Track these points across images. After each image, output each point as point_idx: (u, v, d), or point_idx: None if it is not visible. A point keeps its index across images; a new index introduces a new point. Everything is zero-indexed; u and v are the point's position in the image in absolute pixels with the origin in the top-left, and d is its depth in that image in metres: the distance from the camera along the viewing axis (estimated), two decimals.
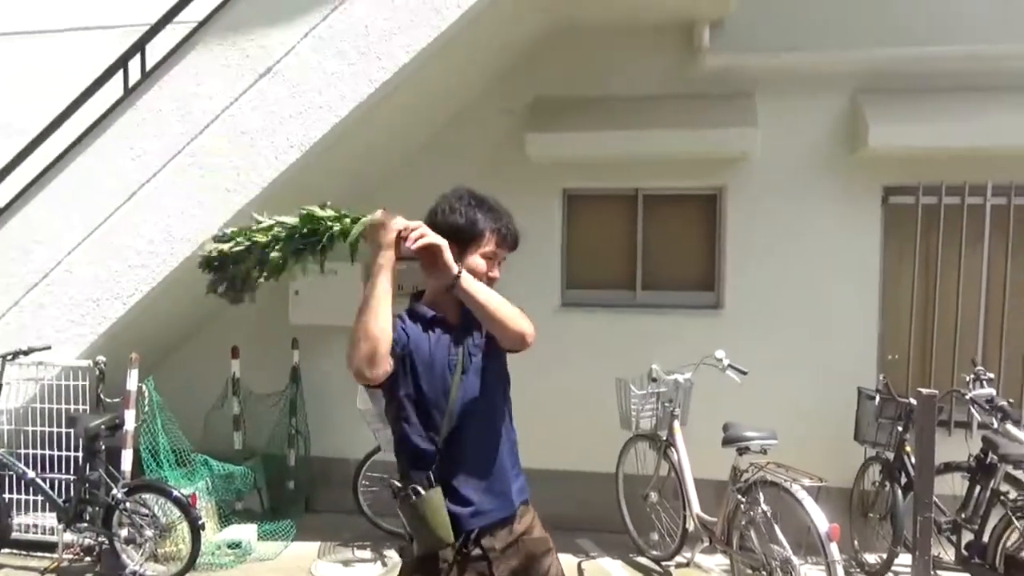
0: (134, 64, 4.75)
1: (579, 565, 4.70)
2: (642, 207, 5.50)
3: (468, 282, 2.03)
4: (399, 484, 2.08)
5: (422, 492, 2.01)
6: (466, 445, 2.10)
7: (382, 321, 1.95)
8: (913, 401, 4.18)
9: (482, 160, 5.53)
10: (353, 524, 5.19)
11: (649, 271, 5.54)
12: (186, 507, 4.29)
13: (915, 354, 5.19)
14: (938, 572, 4.46)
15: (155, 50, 4.72)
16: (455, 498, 2.06)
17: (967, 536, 4.17)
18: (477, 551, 2.09)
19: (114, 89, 4.75)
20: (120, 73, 4.75)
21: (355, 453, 5.15)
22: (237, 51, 4.49)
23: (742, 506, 3.85)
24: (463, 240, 2.12)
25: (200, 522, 4.30)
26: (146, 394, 4.67)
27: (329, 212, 2.11)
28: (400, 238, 1.99)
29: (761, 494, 3.75)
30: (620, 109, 5.17)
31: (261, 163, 4.43)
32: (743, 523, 3.86)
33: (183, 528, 4.38)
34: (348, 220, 2.09)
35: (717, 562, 4.67)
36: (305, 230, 2.11)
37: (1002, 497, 4.00)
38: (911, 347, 5.18)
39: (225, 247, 2.16)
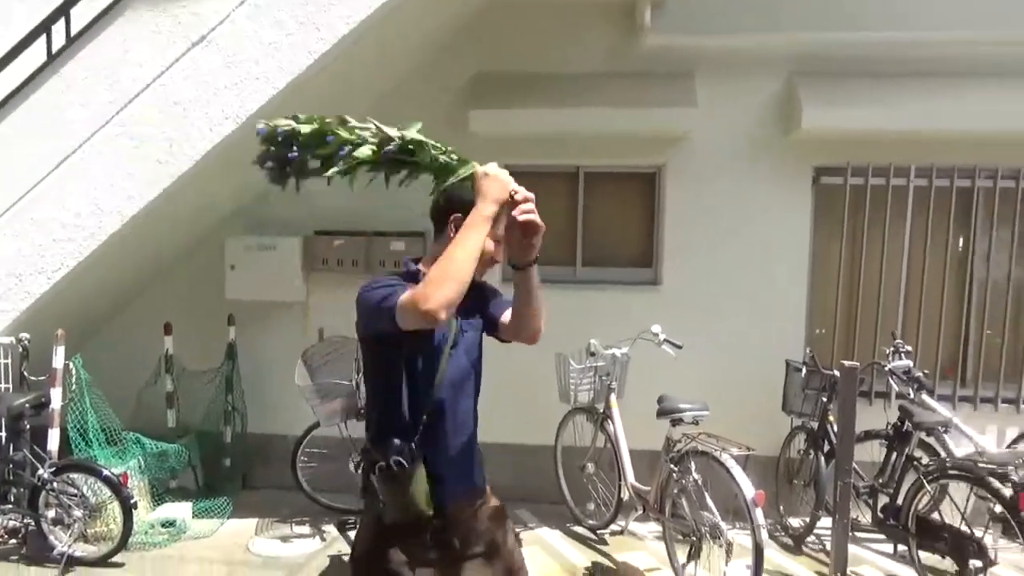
0: (58, 29, 4.54)
1: (518, 535, 4.78)
2: (583, 184, 5.56)
3: (535, 268, 2.07)
4: (374, 452, 2.05)
5: (405, 464, 1.99)
6: (447, 420, 2.11)
7: (471, 272, 1.91)
8: (837, 373, 4.36)
9: (425, 136, 5.48)
10: (291, 500, 5.16)
11: (589, 248, 5.62)
12: (117, 486, 4.20)
13: (840, 328, 5.42)
14: (856, 534, 4.70)
15: (80, 15, 4.52)
16: (432, 470, 2.06)
17: (883, 500, 4.41)
18: (442, 521, 2.10)
19: (36, 55, 4.54)
20: (43, 38, 4.54)
21: (293, 429, 5.11)
22: (168, 17, 4.33)
23: (674, 475, 3.98)
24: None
25: (132, 501, 4.22)
26: (73, 372, 4.53)
27: (438, 143, 2.11)
28: (511, 200, 1.98)
29: (692, 463, 3.89)
30: (562, 86, 5.19)
31: (195, 134, 4.30)
32: (675, 491, 3.99)
33: (114, 508, 4.29)
34: (455, 158, 2.09)
35: (650, 529, 4.82)
36: (410, 147, 2.09)
37: (915, 463, 4.23)
38: (837, 322, 5.40)
39: (302, 127, 2.09)
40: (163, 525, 4.71)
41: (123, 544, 4.27)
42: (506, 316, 2.21)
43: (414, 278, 2.03)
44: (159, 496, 4.98)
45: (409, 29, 4.95)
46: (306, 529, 4.90)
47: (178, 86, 4.31)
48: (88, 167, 4.40)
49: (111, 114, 4.37)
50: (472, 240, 1.93)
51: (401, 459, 1.99)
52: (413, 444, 2.02)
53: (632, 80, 5.22)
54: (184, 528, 4.75)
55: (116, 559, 4.30)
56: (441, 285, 1.86)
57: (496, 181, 1.98)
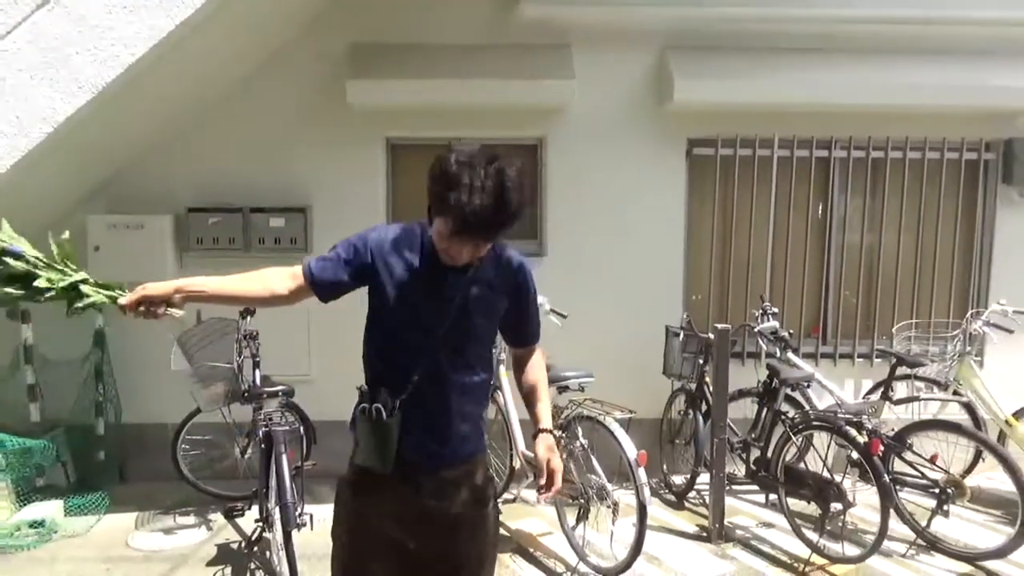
0: None
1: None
2: None
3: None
4: (367, 391, 2.13)
5: (384, 417, 2.06)
6: (438, 379, 2.11)
7: (235, 294, 2.16)
8: (711, 336, 4.60)
9: (302, 107, 5.32)
10: (173, 491, 4.95)
11: None
12: None
13: (715, 293, 5.71)
14: (732, 487, 5.02)
15: None
16: (410, 426, 2.08)
17: (755, 453, 4.71)
18: (411, 478, 2.12)
19: None
20: None
21: (172, 417, 4.87)
22: None
23: (562, 441, 4.08)
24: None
25: None
26: None
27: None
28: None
29: (579, 428, 4.00)
30: (440, 57, 5.13)
31: (44, 105, 3.97)
32: (563, 456, 4.10)
33: None
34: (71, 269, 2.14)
35: None
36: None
37: (783, 417, 4.54)
38: (711, 287, 5.69)
39: None
40: (30, 526, 4.42)
41: None
42: (515, 349, 2.39)
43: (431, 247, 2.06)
44: (25, 496, 4.65)
45: None
46: (191, 519, 4.72)
47: (22, 52, 3.95)
48: None
49: None
50: (206, 290, 2.15)
51: (382, 408, 2.06)
52: (401, 400, 2.06)
53: (510, 51, 5.22)
54: (55, 527, 4.47)
55: None
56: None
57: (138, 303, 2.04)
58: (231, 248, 5.18)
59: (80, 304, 2.08)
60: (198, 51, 4.46)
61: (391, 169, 5.53)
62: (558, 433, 4.09)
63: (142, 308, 2.01)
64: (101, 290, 2.10)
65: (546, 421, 2.32)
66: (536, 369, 2.37)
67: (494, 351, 4.74)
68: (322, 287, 2.13)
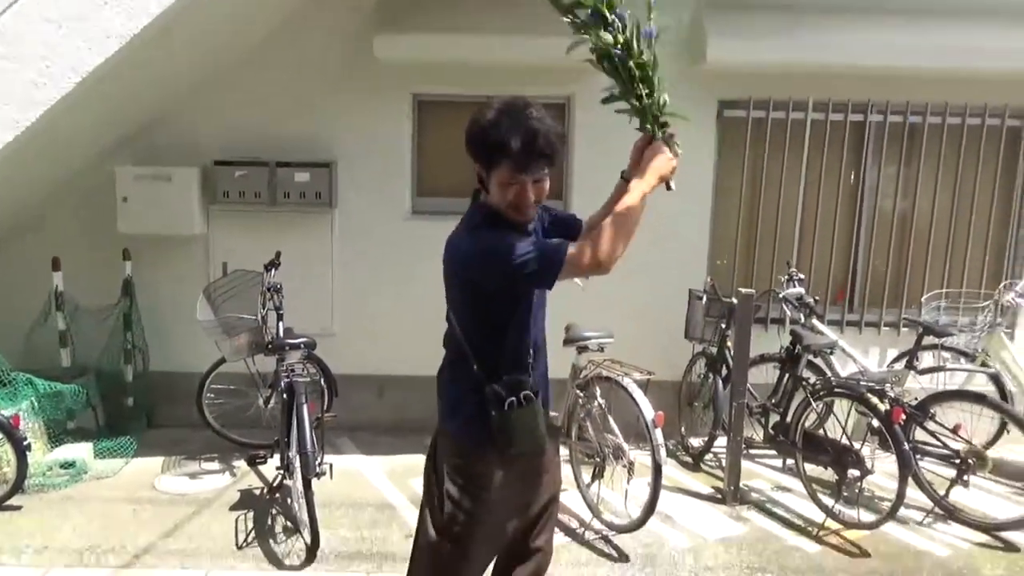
0: None
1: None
2: None
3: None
4: (497, 389, 2.13)
5: (533, 399, 2.14)
6: (541, 352, 2.32)
7: (634, 232, 2.18)
8: (735, 301, 4.56)
9: (330, 61, 5.29)
10: (199, 438, 5.08)
11: None
12: (7, 428, 4.03)
13: (740, 258, 5.65)
14: (750, 451, 5.02)
15: None
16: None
17: (775, 418, 4.69)
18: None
19: None
20: None
21: (198, 366, 4.97)
22: None
23: (580, 400, 4.11)
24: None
25: (25, 443, 4.07)
26: None
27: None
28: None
29: (597, 388, 4.01)
30: (469, 12, 5.04)
31: (73, 55, 3.99)
32: (581, 416, 4.13)
33: (6, 450, 4.13)
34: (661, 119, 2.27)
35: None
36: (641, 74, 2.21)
37: (804, 383, 4.50)
38: (737, 252, 5.62)
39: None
40: (62, 466, 4.57)
41: (18, 487, 4.14)
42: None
43: (494, 219, 2.12)
44: (57, 438, 4.79)
45: None
46: (215, 465, 4.84)
47: (53, 2, 3.96)
48: None
49: None
50: (638, 206, 2.16)
51: (531, 394, 2.13)
52: (531, 379, 2.17)
53: (540, 7, 5.10)
54: (85, 468, 4.61)
55: (12, 502, 4.17)
56: (618, 243, 2.09)
57: (667, 163, 2.23)
58: (256, 202, 5.20)
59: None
60: (225, 4, 4.45)
61: (417, 126, 5.50)
62: (577, 392, 4.12)
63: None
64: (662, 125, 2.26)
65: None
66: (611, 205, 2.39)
67: None
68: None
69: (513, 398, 2.11)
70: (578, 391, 4.13)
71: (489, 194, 2.10)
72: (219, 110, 5.33)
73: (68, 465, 4.57)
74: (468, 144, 2.06)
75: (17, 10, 3.97)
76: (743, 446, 4.46)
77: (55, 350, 4.97)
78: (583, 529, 4.07)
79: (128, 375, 5.29)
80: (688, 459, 5.12)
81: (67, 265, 4.96)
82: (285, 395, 3.99)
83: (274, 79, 5.31)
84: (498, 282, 2.09)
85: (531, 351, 2.21)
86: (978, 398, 4.18)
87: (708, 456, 5.07)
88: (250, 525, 4.06)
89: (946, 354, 5.04)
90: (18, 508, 4.17)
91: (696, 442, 5.15)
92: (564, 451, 4.67)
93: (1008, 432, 4.63)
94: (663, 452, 3.69)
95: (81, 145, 5.01)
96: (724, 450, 4.62)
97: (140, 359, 5.36)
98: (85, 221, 5.31)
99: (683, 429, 5.28)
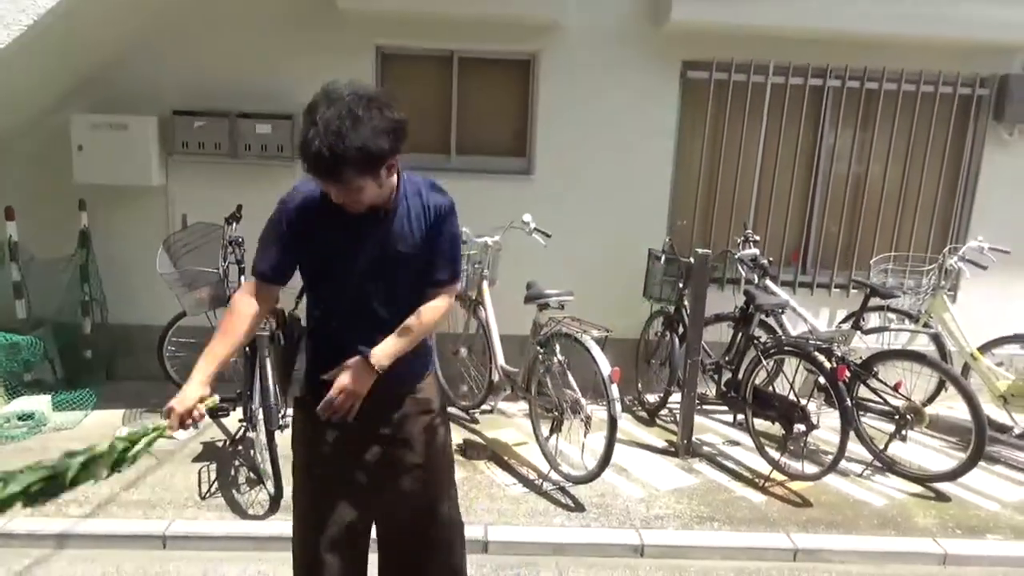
0: None
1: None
2: (457, 70, 5.46)
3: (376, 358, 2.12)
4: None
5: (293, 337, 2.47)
6: (355, 305, 2.26)
7: (240, 341, 2.25)
8: (692, 260, 4.66)
9: (292, 9, 5.18)
10: (159, 390, 5.01)
11: (464, 136, 5.58)
12: None
13: (699, 219, 5.76)
14: (703, 406, 5.20)
15: None
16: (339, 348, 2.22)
17: (727, 376, 4.85)
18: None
19: None
20: None
21: (158, 319, 4.95)
22: None
23: (540, 356, 4.20)
24: None
25: None
26: None
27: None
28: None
29: (557, 345, 4.10)
30: None
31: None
32: (541, 371, 4.23)
33: None
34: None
35: (519, 408, 5.13)
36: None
37: (756, 341, 4.66)
38: (696, 213, 5.72)
39: None
40: (20, 418, 4.54)
41: None
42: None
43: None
44: (13, 390, 4.75)
45: None
46: None
47: None
48: None
49: None
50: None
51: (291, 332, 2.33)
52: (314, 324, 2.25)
53: None
54: (44, 420, 4.60)
55: None
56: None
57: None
58: (217, 153, 5.13)
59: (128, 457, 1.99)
60: None
61: (380, 79, 5.44)
62: (538, 349, 4.20)
63: (189, 421, 2.02)
64: (141, 441, 1.99)
65: (378, 349, 2.11)
66: (422, 312, 2.18)
67: (477, 267, 4.83)
68: (272, 277, 2.18)
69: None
70: (538, 347, 4.22)
71: None
72: (178, 57, 5.20)
73: (26, 417, 4.55)
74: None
75: None
76: (696, 402, 4.61)
77: (10, 301, 4.90)
78: (541, 480, 4.19)
79: (86, 327, 5.24)
80: (644, 414, 5.28)
81: (21, 215, 4.86)
82: (247, 349, 4.00)
83: (235, 27, 5.19)
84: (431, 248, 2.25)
85: (335, 312, 2.23)
86: (918, 357, 4.37)
87: (663, 412, 5.24)
88: (213, 476, 4.10)
89: (891, 315, 5.23)
90: None
91: (652, 398, 5.31)
92: (524, 405, 4.80)
93: (946, 390, 4.87)
94: (618, 406, 3.80)
95: (35, 91, 4.86)
96: (678, 406, 4.77)
97: (98, 311, 5.31)
98: (40, 170, 5.19)
99: (640, 385, 5.44)
